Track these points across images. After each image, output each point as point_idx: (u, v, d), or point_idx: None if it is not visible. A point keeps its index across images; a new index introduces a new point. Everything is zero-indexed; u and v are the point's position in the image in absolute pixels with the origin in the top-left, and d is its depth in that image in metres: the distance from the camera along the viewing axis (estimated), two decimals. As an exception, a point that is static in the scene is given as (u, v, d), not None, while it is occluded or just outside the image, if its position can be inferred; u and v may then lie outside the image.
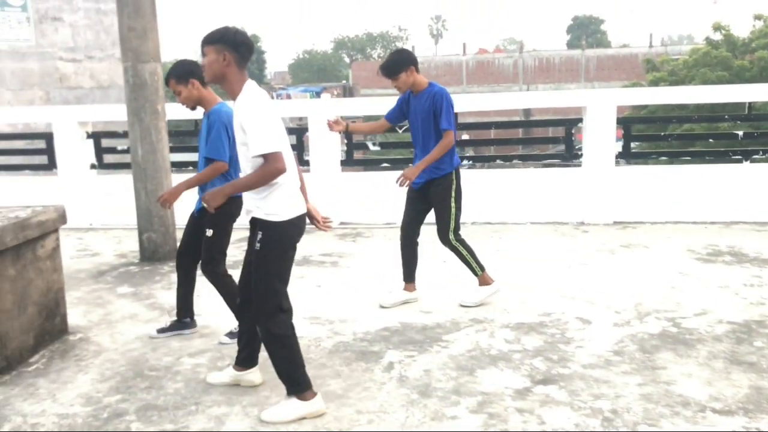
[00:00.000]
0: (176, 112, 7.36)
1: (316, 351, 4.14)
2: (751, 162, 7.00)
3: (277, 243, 3.25)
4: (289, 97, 57.12)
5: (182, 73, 4.11)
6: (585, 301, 4.85)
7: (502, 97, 15.06)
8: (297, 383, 3.35)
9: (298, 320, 4.56)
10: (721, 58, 26.61)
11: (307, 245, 6.36)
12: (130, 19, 5.81)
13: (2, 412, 3.48)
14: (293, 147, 7.27)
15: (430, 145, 4.69)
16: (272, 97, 48.33)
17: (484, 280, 4.89)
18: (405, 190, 4.88)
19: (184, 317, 4.54)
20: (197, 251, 4.43)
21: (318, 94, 57.99)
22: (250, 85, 3.24)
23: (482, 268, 4.87)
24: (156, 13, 5.95)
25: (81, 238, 7.38)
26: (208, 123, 4.11)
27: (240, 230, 4.11)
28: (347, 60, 75.03)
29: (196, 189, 4.29)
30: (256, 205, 3.26)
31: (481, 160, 8.24)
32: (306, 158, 7.58)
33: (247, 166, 3.24)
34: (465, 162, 7.68)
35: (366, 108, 9.45)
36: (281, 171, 3.11)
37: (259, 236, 3.23)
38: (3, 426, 3.35)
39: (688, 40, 78.65)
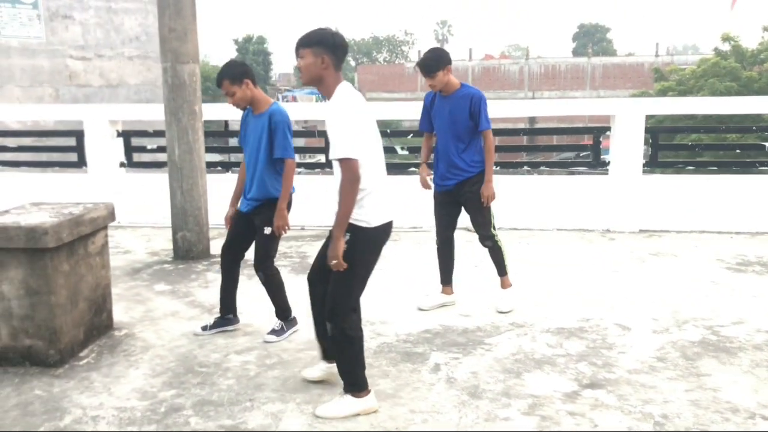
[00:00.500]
0: (211, 113, 7.50)
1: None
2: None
3: (363, 248, 3.30)
4: (294, 99, 57.21)
5: (236, 74, 4.19)
6: (621, 308, 4.91)
7: (533, 104, 15.09)
8: (357, 383, 3.42)
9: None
10: (729, 68, 26.71)
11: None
12: (171, 20, 5.88)
13: (61, 405, 3.54)
14: (298, 149, 7.28)
15: (459, 146, 4.74)
16: (278, 99, 48.08)
17: (507, 282, 4.97)
18: (431, 193, 4.95)
19: (227, 314, 4.61)
20: (242, 249, 4.51)
21: (324, 97, 58.16)
22: (343, 87, 3.27)
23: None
24: (196, 15, 6.03)
25: (111, 236, 7.40)
26: (271, 123, 4.18)
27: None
28: (353, 63, 75.10)
29: (240, 187, 4.43)
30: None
31: (507, 167, 8.29)
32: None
33: (337, 171, 3.27)
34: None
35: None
36: (352, 179, 3.14)
37: (347, 237, 3.24)
38: (64, 418, 3.41)
39: (693, 50, 78.78)
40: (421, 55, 4.72)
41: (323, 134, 7.71)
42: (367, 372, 3.85)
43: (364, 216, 3.26)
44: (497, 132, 6.04)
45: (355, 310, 3.39)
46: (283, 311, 4.50)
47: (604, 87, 55.09)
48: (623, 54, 65.98)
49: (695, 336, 4.36)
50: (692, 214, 7.10)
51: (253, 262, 4.51)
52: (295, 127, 11.43)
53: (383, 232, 3.35)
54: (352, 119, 3.18)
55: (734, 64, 26.99)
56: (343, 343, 3.37)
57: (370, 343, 4.31)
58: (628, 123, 6.97)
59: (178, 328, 4.62)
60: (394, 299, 5.18)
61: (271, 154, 4.22)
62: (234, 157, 8.40)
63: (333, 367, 3.63)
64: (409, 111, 9.08)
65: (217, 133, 8.06)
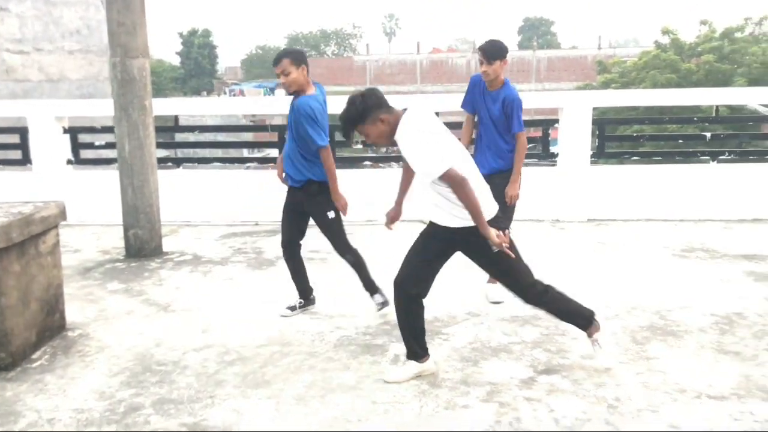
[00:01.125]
0: (162, 108, 7.38)
1: (322, 345, 4.22)
2: (718, 162, 7.35)
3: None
4: (242, 92, 56.52)
5: (299, 57, 4.47)
6: (574, 295, 5.02)
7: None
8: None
9: (299, 317, 4.68)
10: (669, 61, 27.49)
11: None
12: (120, 15, 5.77)
13: (15, 409, 3.47)
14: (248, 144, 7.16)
15: (497, 143, 4.83)
16: (225, 93, 47.12)
17: None
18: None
19: (309, 295, 4.83)
20: (299, 236, 4.71)
21: (272, 90, 57.55)
22: (408, 114, 3.51)
23: None
24: (145, 9, 5.92)
25: (62, 234, 7.25)
26: (295, 113, 4.42)
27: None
28: (301, 56, 74.52)
29: (281, 166, 4.72)
30: (457, 215, 3.51)
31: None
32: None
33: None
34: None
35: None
36: (460, 183, 3.38)
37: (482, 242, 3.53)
38: (18, 422, 3.34)
39: (634, 43, 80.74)
40: (484, 42, 4.74)
41: (276, 129, 7.69)
42: (328, 365, 3.92)
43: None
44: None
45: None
46: (372, 286, 4.71)
47: (549, 80, 56.03)
48: (567, 47, 67.16)
49: (644, 321, 4.52)
50: (638, 203, 7.32)
51: (285, 254, 4.73)
52: (243, 121, 11.26)
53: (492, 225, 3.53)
54: (422, 139, 3.43)
55: (673, 57, 27.77)
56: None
57: (329, 337, 4.34)
58: (575, 115, 7.14)
59: (134, 327, 4.56)
60: (352, 292, 5.20)
61: (298, 141, 4.46)
62: (181, 153, 8.29)
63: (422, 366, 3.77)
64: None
65: (167, 129, 7.93)
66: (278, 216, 4.75)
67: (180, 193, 7.47)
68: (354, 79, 58.25)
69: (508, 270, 3.72)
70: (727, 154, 7.28)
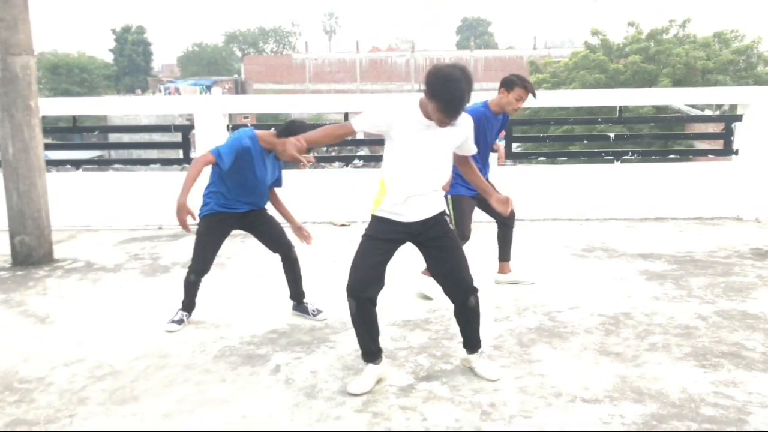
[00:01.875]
0: (51, 108, 7.07)
1: (201, 356, 4.06)
2: (621, 162, 7.46)
3: None
4: (177, 90, 55.34)
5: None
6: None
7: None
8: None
9: (184, 329, 4.50)
10: (598, 61, 28.11)
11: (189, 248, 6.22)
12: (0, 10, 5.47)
13: None
14: (180, 144, 6.98)
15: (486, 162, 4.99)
16: (160, 91, 46.07)
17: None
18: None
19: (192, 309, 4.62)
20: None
21: (208, 88, 56.51)
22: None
23: None
24: (27, 4, 5.63)
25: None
26: None
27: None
28: (239, 54, 73.60)
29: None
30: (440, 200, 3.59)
31: (370, 160, 8.32)
32: (192, 156, 7.40)
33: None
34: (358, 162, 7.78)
35: (257, 106, 9.34)
36: None
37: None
38: None
39: (570, 44, 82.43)
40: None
41: (180, 129, 7.45)
42: (204, 378, 3.77)
43: None
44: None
45: None
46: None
47: (486, 79, 56.67)
48: (504, 47, 68.09)
49: (533, 322, 4.51)
50: (544, 203, 7.37)
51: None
52: (176, 121, 10.85)
53: None
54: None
55: (602, 57, 28.41)
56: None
57: (211, 348, 4.19)
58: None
59: (5, 342, 4.31)
60: (245, 299, 5.07)
61: None
62: (81, 155, 7.95)
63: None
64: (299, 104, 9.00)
65: (62, 129, 7.60)
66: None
67: (79, 197, 7.17)
68: (293, 77, 57.75)
69: (459, 258, 3.69)
70: (630, 154, 7.39)
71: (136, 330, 4.47)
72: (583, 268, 5.71)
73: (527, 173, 7.69)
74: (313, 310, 4.68)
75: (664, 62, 27.67)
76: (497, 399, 3.48)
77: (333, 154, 25.40)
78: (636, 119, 9.14)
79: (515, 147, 7.63)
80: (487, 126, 4.87)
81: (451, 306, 4.80)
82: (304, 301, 4.74)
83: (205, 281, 5.19)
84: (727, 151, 7.37)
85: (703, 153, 7.75)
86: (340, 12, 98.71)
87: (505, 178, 7.41)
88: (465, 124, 3.48)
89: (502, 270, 5.36)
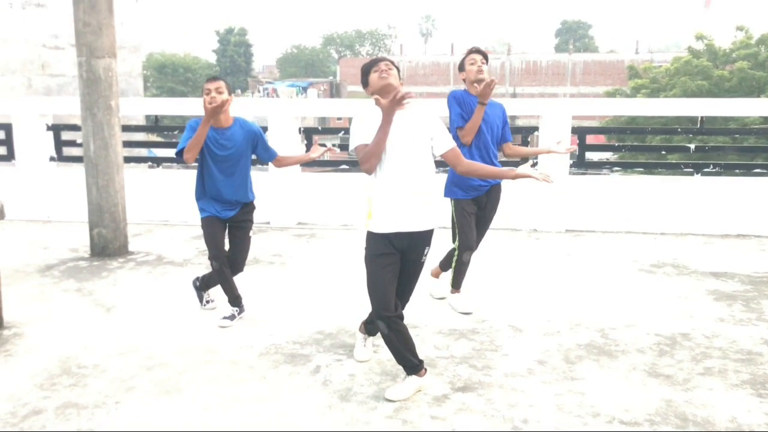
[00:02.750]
0: (132, 107, 7.44)
1: (246, 353, 4.17)
2: (702, 175, 7.11)
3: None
4: (275, 91, 56.98)
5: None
6: (521, 309, 4.91)
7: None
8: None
9: (235, 325, 4.64)
10: (701, 67, 26.88)
11: (260, 245, 6.41)
12: (86, 15, 5.81)
13: None
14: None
15: (492, 154, 4.77)
16: (258, 92, 47.61)
17: (437, 272, 5.26)
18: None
19: (240, 302, 4.78)
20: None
21: (305, 90, 57.92)
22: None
23: None
24: (113, 9, 5.95)
25: (37, 231, 7.38)
26: None
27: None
28: (335, 56, 74.91)
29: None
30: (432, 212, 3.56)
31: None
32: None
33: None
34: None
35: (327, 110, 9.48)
36: None
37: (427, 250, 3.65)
38: None
39: (676, 48, 79.15)
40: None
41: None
42: (245, 375, 3.87)
43: None
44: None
45: None
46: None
47: (585, 83, 55.33)
48: (605, 51, 66.21)
49: (583, 339, 4.37)
50: (618, 214, 7.13)
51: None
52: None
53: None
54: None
55: (706, 63, 27.18)
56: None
57: (258, 346, 4.29)
58: (553, 123, 6.98)
59: (70, 328, 4.57)
60: (300, 298, 5.16)
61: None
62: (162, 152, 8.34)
63: None
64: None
65: (147, 128, 7.98)
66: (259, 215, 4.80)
67: (157, 193, 7.52)
68: (387, 80, 58.18)
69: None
70: (711, 166, 7.02)
71: (190, 324, 4.65)
72: (648, 285, 5.48)
73: (599, 183, 7.44)
74: (207, 300, 4.95)
75: (775, 69, 26.16)
76: (531, 415, 3.40)
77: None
78: (717, 131, 8.63)
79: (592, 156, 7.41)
80: (470, 103, 4.63)
81: (499, 317, 4.77)
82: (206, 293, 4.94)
83: (264, 279, 5.35)
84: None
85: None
86: (438, 14, 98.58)
87: (577, 187, 7.24)
88: (424, 112, 3.48)
89: (435, 274, 5.21)
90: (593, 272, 5.82)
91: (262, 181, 6.72)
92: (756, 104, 8.84)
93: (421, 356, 4.06)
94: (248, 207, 4.71)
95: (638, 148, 8.91)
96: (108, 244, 6.15)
